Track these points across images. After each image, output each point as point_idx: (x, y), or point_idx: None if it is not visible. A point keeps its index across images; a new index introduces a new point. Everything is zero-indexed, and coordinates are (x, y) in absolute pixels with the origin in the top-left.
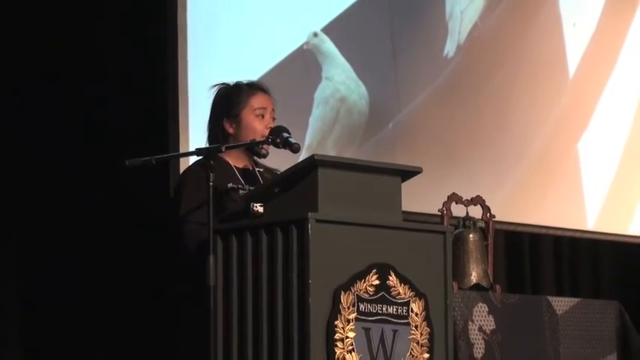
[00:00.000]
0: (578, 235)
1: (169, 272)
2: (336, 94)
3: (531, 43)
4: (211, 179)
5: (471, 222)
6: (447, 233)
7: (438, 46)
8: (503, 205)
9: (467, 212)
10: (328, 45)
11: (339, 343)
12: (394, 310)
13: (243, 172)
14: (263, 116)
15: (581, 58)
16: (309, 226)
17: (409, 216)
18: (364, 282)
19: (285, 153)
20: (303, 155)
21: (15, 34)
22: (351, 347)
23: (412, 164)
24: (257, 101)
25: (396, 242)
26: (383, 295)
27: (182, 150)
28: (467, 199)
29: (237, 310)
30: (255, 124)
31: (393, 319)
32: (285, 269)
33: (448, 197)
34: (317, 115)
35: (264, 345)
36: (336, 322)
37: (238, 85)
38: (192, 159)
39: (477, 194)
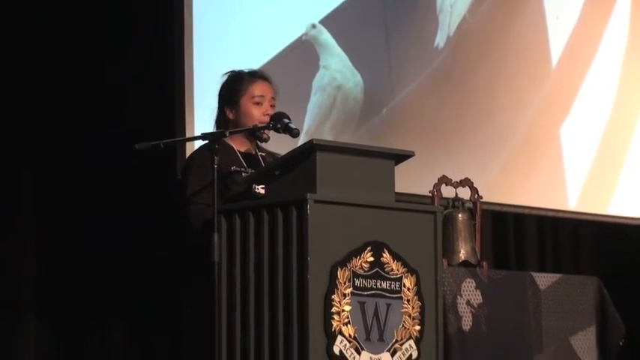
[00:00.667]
0: (560, 215)
1: (177, 248)
2: (333, 82)
3: (516, 35)
4: (216, 162)
5: (460, 203)
6: (437, 213)
7: (429, 37)
8: (489, 187)
9: (456, 193)
10: (326, 36)
11: (335, 316)
12: (387, 285)
13: (246, 155)
14: (261, 104)
15: (563, 49)
16: (308, 206)
17: (402, 197)
18: (359, 259)
19: (286, 138)
20: (302, 140)
21: (28, 23)
22: (347, 320)
23: (404, 148)
24: (256, 89)
25: (389, 221)
26: (377, 271)
27: (188, 135)
28: (456, 181)
29: (239, 284)
30: (253, 111)
31: (386, 294)
32: (286, 247)
33: (438, 179)
34: (315, 101)
35: (265, 317)
36: (333, 297)
37: (240, 74)
38: (198, 143)
39: (466, 176)
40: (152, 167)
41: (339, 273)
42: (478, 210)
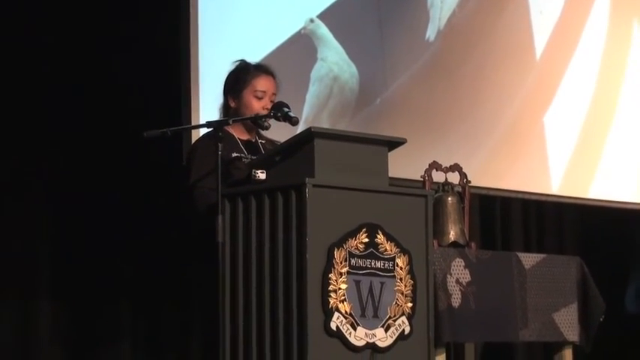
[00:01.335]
0: (543, 198)
1: (184, 230)
2: (330, 73)
3: (503, 28)
4: (220, 149)
5: (450, 187)
6: (428, 197)
7: (421, 31)
8: (477, 172)
9: (446, 178)
10: (323, 30)
11: (332, 294)
12: (381, 264)
13: (247, 143)
14: (262, 98)
15: (547, 42)
16: (307, 190)
17: (395, 181)
18: (355, 240)
19: (285, 125)
20: (300, 127)
21: (37, 14)
22: (343, 297)
23: (397, 136)
24: (259, 83)
25: (383, 205)
26: (371, 252)
27: (194, 123)
28: (446, 167)
29: (242, 264)
30: (254, 103)
31: (380, 273)
32: (285, 228)
33: (429, 165)
34: (313, 91)
35: (266, 295)
36: (330, 275)
37: (247, 66)
38: (204, 131)
39: (455, 162)
40: (160, 153)
41: (336, 253)
42: (467, 194)
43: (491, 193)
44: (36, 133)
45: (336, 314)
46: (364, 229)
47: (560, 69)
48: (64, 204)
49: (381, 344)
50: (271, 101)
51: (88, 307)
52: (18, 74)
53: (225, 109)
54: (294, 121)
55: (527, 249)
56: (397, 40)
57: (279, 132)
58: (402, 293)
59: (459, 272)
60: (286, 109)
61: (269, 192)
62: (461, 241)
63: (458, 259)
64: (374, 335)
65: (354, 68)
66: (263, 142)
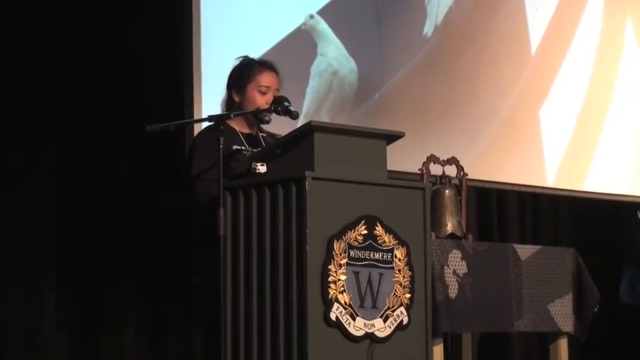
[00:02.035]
0: (539, 190)
1: (186, 222)
2: (330, 68)
3: (498, 24)
4: (222, 142)
5: (447, 180)
6: (426, 189)
7: (418, 26)
8: (474, 165)
9: (443, 171)
10: (323, 25)
11: (332, 285)
12: (380, 256)
13: (247, 136)
14: (266, 93)
15: (542, 37)
16: (307, 183)
17: (393, 174)
18: (354, 232)
19: (286, 119)
20: (300, 121)
21: (41, 10)
22: (342, 288)
23: (395, 129)
24: (263, 79)
25: (381, 197)
26: (370, 243)
27: (196, 117)
28: (443, 160)
29: (243, 255)
30: (257, 98)
31: (379, 264)
32: (286, 221)
33: (427, 158)
34: (313, 86)
35: (267, 286)
36: (329, 267)
37: (251, 61)
38: (206, 124)
39: (452, 155)
40: (163, 146)
41: (335, 245)
42: (464, 186)
43: (488, 185)
44: (40, 128)
45: (336, 305)
46: (363, 221)
47: (555, 64)
48: (69, 196)
49: (379, 334)
50: (274, 96)
51: (92, 297)
52: (21, 70)
53: (229, 103)
54: (294, 115)
55: (523, 241)
56: (395, 36)
57: (279, 126)
58: (401, 284)
59: (456, 264)
60: (286, 104)
61: (269, 185)
62: (458, 233)
63: (455, 251)
64: (373, 325)
65: (353, 63)
66: (264, 135)
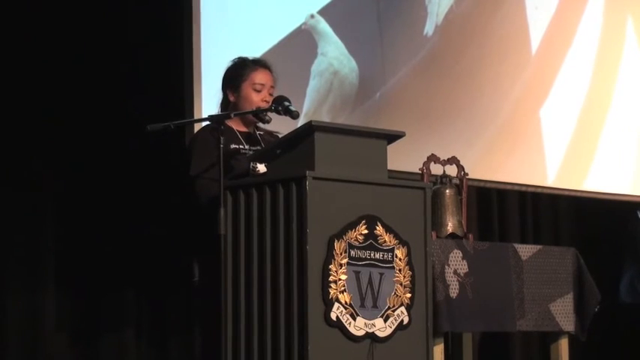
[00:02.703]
0: (539, 190)
1: (186, 221)
2: (330, 68)
3: (499, 24)
4: (222, 142)
5: (447, 179)
6: (427, 189)
7: (419, 26)
8: (475, 165)
9: (444, 171)
10: (323, 25)
11: (332, 285)
12: (381, 255)
13: (245, 135)
14: (261, 91)
15: (542, 37)
16: (307, 182)
17: (394, 174)
18: (355, 231)
19: (286, 119)
20: (301, 121)
21: (41, 11)
22: (343, 288)
23: (396, 129)
24: (257, 77)
25: (382, 197)
26: (371, 243)
27: (196, 116)
28: (443, 160)
29: (244, 255)
30: (252, 96)
31: (379, 264)
32: (286, 220)
33: (427, 158)
34: (313, 86)
35: (267, 285)
36: (330, 267)
37: (245, 61)
38: (205, 124)
39: (453, 155)
40: (163, 146)
41: (336, 244)
42: (464, 186)
43: (489, 185)
44: (40, 128)
45: (336, 305)
46: (364, 221)
47: (556, 63)
48: (69, 195)
49: (380, 334)
50: (270, 94)
51: (92, 297)
52: (21, 69)
53: (224, 103)
54: (294, 115)
55: (524, 240)
56: (396, 36)
57: (280, 125)
58: (401, 284)
59: (456, 263)
60: (287, 103)
61: (270, 184)
62: (459, 233)
63: (456, 251)
64: (373, 325)
65: (353, 63)
66: (261, 133)
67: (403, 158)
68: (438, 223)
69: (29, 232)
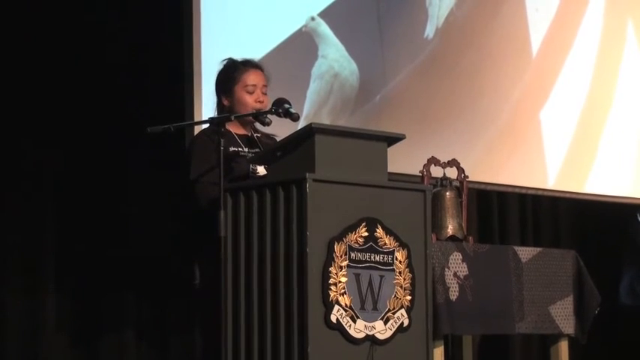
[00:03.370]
0: (540, 192)
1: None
2: (331, 70)
3: (499, 26)
4: (222, 144)
5: (448, 182)
6: (427, 191)
7: (419, 29)
8: (475, 167)
9: (444, 173)
10: (324, 27)
11: (333, 287)
12: (381, 258)
13: (244, 137)
14: (253, 92)
15: (543, 39)
16: (307, 185)
17: (394, 176)
18: (355, 234)
19: (286, 121)
20: (301, 124)
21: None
22: (343, 290)
23: (396, 132)
24: (248, 78)
25: (382, 199)
26: (371, 245)
27: (196, 119)
28: (444, 162)
29: (244, 257)
30: (246, 98)
31: (379, 266)
32: (286, 223)
33: (428, 160)
34: (314, 88)
35: (267, 288)
36: (330, 269)
37: (234, 63)
38: (205, 126)
39: (453, 157)
40: (163, 148)
41: (336, 247)
42: (464, 188)
43: (489, 187)
44: (41, 128)
45: (337, 307)
46: (364, 224)
47: (556, 66)
48: (69, 196)
49: (380, 336)
50: (263, 93)
51: (93, 298)
52: (22, 70)
53: (220, 108)
54: (294, 117)
55: (524, 243)
56: (396, 38)
57: (280, 128)
58: (401, 286)
59: (456, 266)
60: (287, 106)
61: (270, 187)
62: (459, 235)
63: (456, 253)
64: (373, 328)
65: (354, 65)
66: (259, 135)
67: (403, 160)
68: (438, 226)
69: (29, 233)
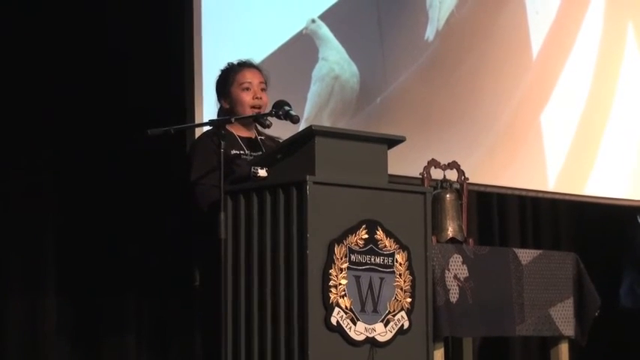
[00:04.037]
0: (540, 195)
1: (187, 226)
2: (331, 72)
3: (500, 28)
4: (223, 147)
5: (448, 184)
6: (427, 194)
7: (420, 31)
8: (475, 169)
9: (444, 175)
10: (324, 30)
11: (333, 289)
12: (381, 260)
13: (247, 140)
14: (249, 89)
15: (543, 41)
16: (308, 187)
17: (394, 178)
18: (355, 236)
19: (287, 124)
20: (302, 126)
21: (44, 12)
22: (343, 293)
23: (397, 134)
24: (244, 77)
25: (382, 201)
26: (371, 247)
27: (197, 121)
28: (444, 164)
29: (244, 259)
30: (243, 96)
31: (380, 268)
32: (287, 225)
33: (428, 162)
34: (314, 91)
35: (267, 290)
36: (330, 271)
37: (230, 66)
38: (206, 129)
39: (453, 160)
40: (163, 151)
41: (336, 249)
42: (465, 190)
43: (489, 189)
44: (42, 131)
45: (337, 309)
46: (364, 226)
47: (557, 68)
48: (70, 200)
49: (380, 339)
50: (262, 89)
51: (93, 300)
52: (22, 73)
53: (221, 112)
54: (295, 120)
55: (524, 245)
56: (397, 41)
57: (280, 130)
58: (402, 289)
59: (457, 268)
60: (287, 108)
61: (270, 189)
62: (459, 238)
63: (456, 255)
64: (373, 330)
65: (354, 68)
66: (262, 138)
67: (404, 163)
68: (438, 228)
69: (30, 234)
